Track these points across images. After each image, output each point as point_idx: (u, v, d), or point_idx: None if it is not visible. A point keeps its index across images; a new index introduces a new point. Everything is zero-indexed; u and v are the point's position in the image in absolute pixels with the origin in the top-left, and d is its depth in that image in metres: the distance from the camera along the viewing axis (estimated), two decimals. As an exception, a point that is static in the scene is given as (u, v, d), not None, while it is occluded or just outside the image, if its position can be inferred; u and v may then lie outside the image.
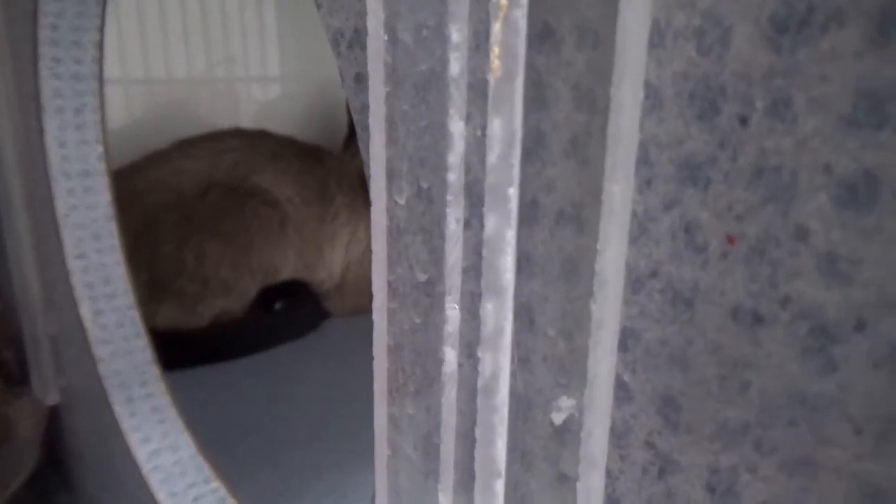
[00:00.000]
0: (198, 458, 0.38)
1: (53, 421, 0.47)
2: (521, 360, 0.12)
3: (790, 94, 0.09)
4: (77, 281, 0.39)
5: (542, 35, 0.11)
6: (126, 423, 0.38)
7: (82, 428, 0.44)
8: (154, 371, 0.40)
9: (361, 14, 0.15)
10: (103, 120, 0.40)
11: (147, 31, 0.94)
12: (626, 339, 0.11)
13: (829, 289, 0.09)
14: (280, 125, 0.99)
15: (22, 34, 0.36)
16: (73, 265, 0.39)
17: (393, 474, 0.15)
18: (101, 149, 0.40)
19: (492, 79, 0.10)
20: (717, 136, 0.09)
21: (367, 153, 0.16)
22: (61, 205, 0.39)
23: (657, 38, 0.10)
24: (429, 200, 0.12)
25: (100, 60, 0.38)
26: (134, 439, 0.38)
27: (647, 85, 0.10)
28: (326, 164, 0.94)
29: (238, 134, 0.92)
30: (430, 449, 0.14)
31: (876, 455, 0.08)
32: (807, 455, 0.09)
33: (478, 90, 0.12)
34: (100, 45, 0.37)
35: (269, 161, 0.90)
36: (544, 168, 0.11)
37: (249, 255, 0.85)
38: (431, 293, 0.13)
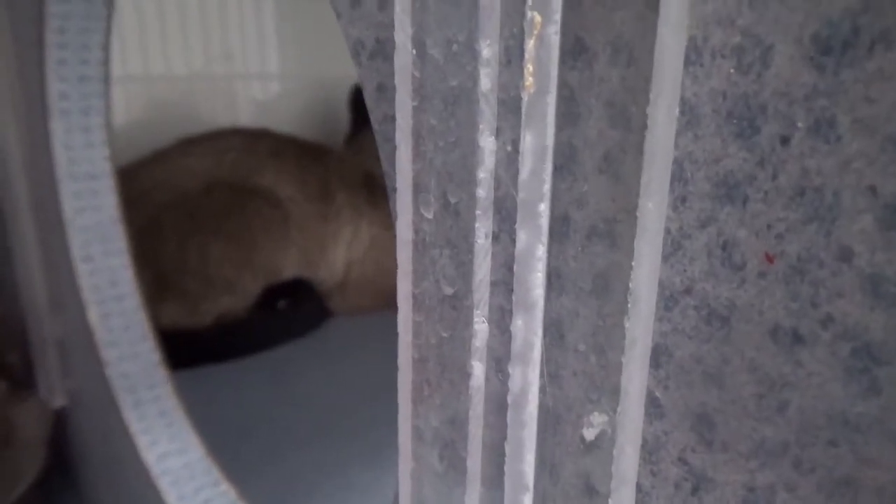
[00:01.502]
0: (206, 460, 0.38)
1: (59, 424, 0.47)
2: (551, 376, 0.12)
3: (834, 114, 0.09)
4: (84, 284, 0.39)
5: (574, 51, 0.11)
6: (134, 426, 0.38)
7: (89, 431, 0.44)
8: (162, 373, 0.40)
9: (383, 25, 0.15)
10: (109, 120, 0.40)
11: (146, 27, 0.94)
12: (659, 355, 0.11)
13: (874, 310, 0.09)
14: (279, 123, 0.99)
15: (28, 37, 0.35)
16: (80, 268, 0.39)
17: (417, 485, 0.14)
18: (107, 151, 0.40)
19: (525, 95, 0.10)
20: (756, 155, 0.09)
21: (389, 164, 0.15)
22: (68, 208, 0.39)
23: (694, 56, 0.10)
24: (457, 215, 0.12)
25: (106, 63, 0.37)
26: (142, 442, 0.38)
27: (683, 102, 0.10)
28: (328, 163, 0.94)
29: (239, 133, 0.92)
30: (455, 461, 0.14)
31: (919, 477, 0.08)
32: (847, 475, 0.09)
33: (508, 105, 0.11)
34: (106, 47, 0.37)
35: (270, 160, 0.90)
36: (576, 184, 0.11)
37: (252, 254, 0.85)
38: (458, 307, 0.13)
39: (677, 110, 0.10)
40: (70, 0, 0.34)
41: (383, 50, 0.15)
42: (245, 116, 1.08)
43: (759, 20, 0.09)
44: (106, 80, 0.38)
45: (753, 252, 0.10)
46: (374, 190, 0.97)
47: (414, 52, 0.12)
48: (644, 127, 0.10)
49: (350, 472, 0.57)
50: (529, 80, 0.10)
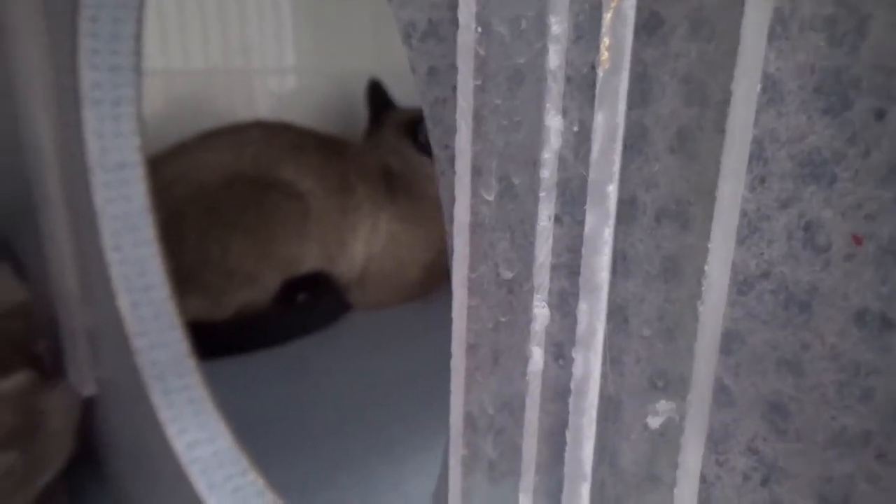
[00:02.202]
0: (235, 449, 0.38)
1: (87, 412, 0.47)
2: (613, 362, 0.12)
3: (935, 87, 0.08)
4: (114, 273, 0.40)
5: (649, 26, 0.10)
6: (163, 414, 0.38)
7: (118, 419, 0.45)
8: (190, 363, 0.40)
9: (436, 6, 0.14)
10: (140, 110, 0.40)
11: (166, 22, 0.94)
12: (731, 341, 0.11)
13: (975, 293, 0.08)
14: (297, 117, 0.99)
15: (61, 26, 0.36)
16: (110, 257, 0.40)
17: (468, 474, 0.14)
18: (137, 140, 0.40)
19: (600, 71, 0.10)
20: (846, 132, 0.09)
21: (440, 148, 0.15)
22: (98, 197, 0.39)
23: (780, 29, 0.09)
24: (519, 196, 0.12)
25: (138, 53, 0.37)
26: (172, 431, 0.38)
27: (766, 77, 0.10)
28: (347, 157, 0.94)
29: (260, 126, 0.93)
30: (510, 448, 0.13)
31: None
32: (939, 465, 0.09)
33: (575, 83, 0.11)
34: (138, 37, 0.37)
35: (290, 153, 0.90)
36: (646, 164, 0.11)
37: (273, 247, 0.85)
38: (518, 291, 0.12)
39: (758, 86, 0.10)
40: (103, -11, 0.34)
41: (436, 31, 0.15)
42: (262, 110, 1.09)
43: (853, -9, 0.09)
44: (138, 69, 0.38)
45: (840, 234, 0.09)
46: (392, 184, 0.96)
47: (479, 30, 0.11)
48: (723, 104, 0.10)
49: (368, 465, 0.57)
50: (605, 56, 0.10)
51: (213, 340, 0.79)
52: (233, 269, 0.83)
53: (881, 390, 0.09)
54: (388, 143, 1.01)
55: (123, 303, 0.40)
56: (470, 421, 0.14)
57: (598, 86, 0.10)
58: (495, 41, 0.11)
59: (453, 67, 0.15)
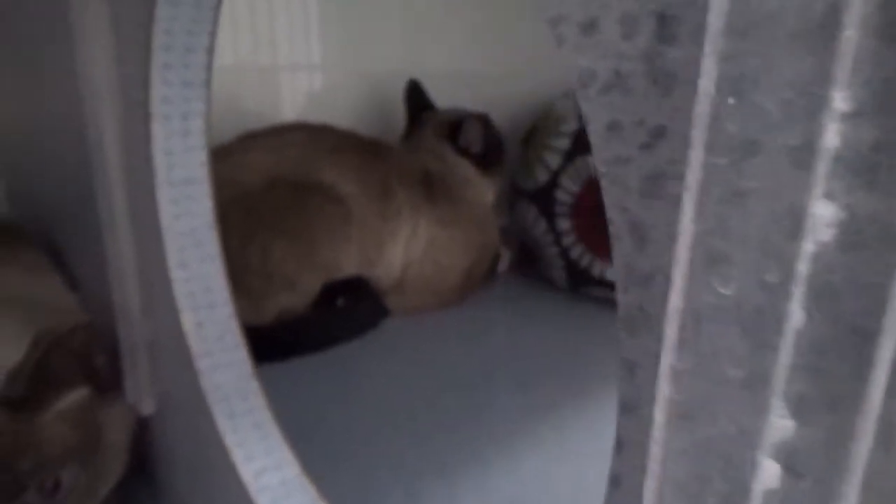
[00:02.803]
0: (303, 477, 0.37)
1: (144, 428, 0.46)
2: (874, 489, 0.10)
3: None
4: (178, 291, 0.39)
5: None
6: (229, 438, 0.37)
7: (177, 438, 0.44)
8: (255, 385, 0.39)
9: (627, 57, 0.13)
10: (207, 126, 0.39)
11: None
12: None
13: None
14: (324, 115, 0.98)
15: (133, 40, 0.34)
16: (175, 274, 0.39)
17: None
18: (204, 155, 0.39)
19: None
20: None
21: (616, 211, 0.14)
22: (165, 214, 0.38)
23: None
24: (765, 291, 0.10)
25: (209, 67, 0.36)
26: (238, 456, 0.37)
27: None
28: (388, 160, 0.93)
29: (301, 128, 0.92)
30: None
31: None
32: None
33: (845, 163, 0.10)
34: (210, 52, 0.36)
35: (331, 156, 0.89)
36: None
37: (313, 251, 0.84)
38: (749, 393, 0.11)
39: None
40: (179, 4, 0.33)
41: (624, 84, 0.13)
42: (289, 108, 1.08)
43: None
44: (208, 84, 0.37)
45: None
46: (432, 189, 0.95)
47: (732, 101, 0.10)
48: None
49: (421, 478, 0.56)
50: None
51: (255, 346, 0.78)
52: (273, 272, 0.82)
53: None
54: (427, 145, 1.00)
55: (188, 321, 0.39)
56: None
57: (890, 172, 0.09)
58: (753, 115, 0.10)
59: (642, 125, 0.13)
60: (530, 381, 0.75)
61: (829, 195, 0.10)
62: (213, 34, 0.35)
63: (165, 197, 0.38)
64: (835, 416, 0.10)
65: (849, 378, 0.10)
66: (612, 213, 0.14)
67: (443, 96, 1.08)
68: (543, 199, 0.98)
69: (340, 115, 1.10)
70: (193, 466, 0.43)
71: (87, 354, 0.43)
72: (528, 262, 1.08)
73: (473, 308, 0.98)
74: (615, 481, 0.14)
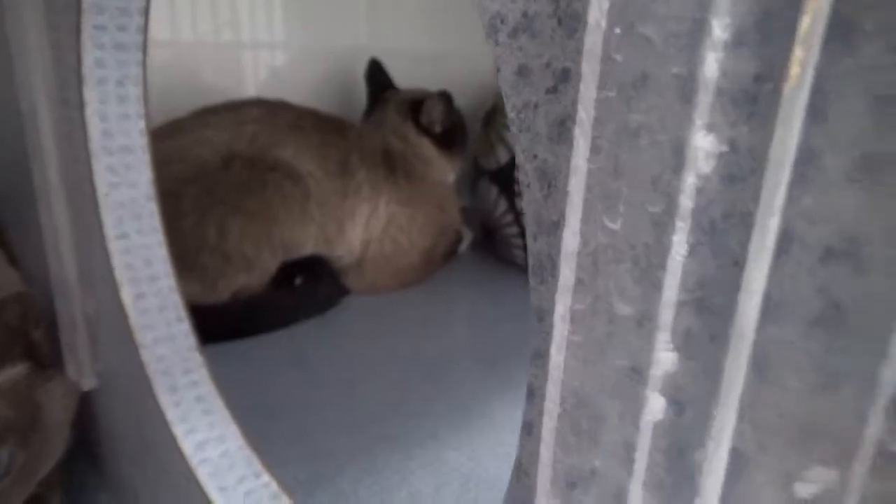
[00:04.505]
0: (246, 449, 0.36)
1: (86, 403, 0.45)
2: (752, 419, 0.10)
3: None
4: (117, 263, 0.38)
5: (839, 34, 0.09)
6: (171, 412, 0.37)
7: (119, 413, 0.43)
8: (197, 358, 0.39)
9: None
10: (146, 92, 0.37)
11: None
12: (903, 404, 0.09)
13: None
14: (286, 92, 0.96)
15: (64, 3, 0.33)
16: (114, 246, 0.38)
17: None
18: (143, 123, 0.38)
19: (786, 88, 0.08)
20: None
21: (527, 157, 0.14)
22: (101, 183, 0.37)
23: None
24: (654, 225, 0.10)
25: (145, 29, 0.35)
26: (179, 430, 0.36)
27: None
28: (348, 138, 0.92)
29: (259, 104, 0.90)
30: None
31: None
32: None
33: (729, 97, 0.10)
34: (146, 13, 0.34)
35: (290, 133, 0.87)
36: (811, 194, 0.09)
37: (271, 230, 0.83)
38: (637, 331, 0.11)
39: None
40: (110, -40, 0.32)
41: (531, 26, 0.13)
42: (251, 85, 1.06)
43: None
44: (144, 48, 0.36)
45: None
46: (392, 167, 0.94)
47: (618, 31, 0.10)
48: None
49: (376, 457, 0.56)
50: (795, 71, 0.08)
51: (208, 325, 0.77)
52: (231, 252, 0.81)
53: None
54: (389, 124, 0.99)
55: (127, 294, 0.38)
56: (568, 475, 0.12)
57: (781, 103, 0.09)
58: (638, 45, 0.09)
59: (549, 68, 0.13)
60: (488, 360, 0.75)
61: (710, 127, 0.10)
62: (148, -5, 0.34)
63: (101, 165, 0.36)
64: (714, 348, 0.10)
65: (726, 310, 0.10)
66: (521, 160, 0.14)
67: (404, 75, 1.07)
68: (504, 178, 0.98)
69: (302, 91, 1.09)
70: (136, 442, 0.42)
71: (23, 328, 0.42)
72: (488, 241, 1.08)
73: (434, 287, 0.98)
74: (527, 428, 0.14)
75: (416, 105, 0.99)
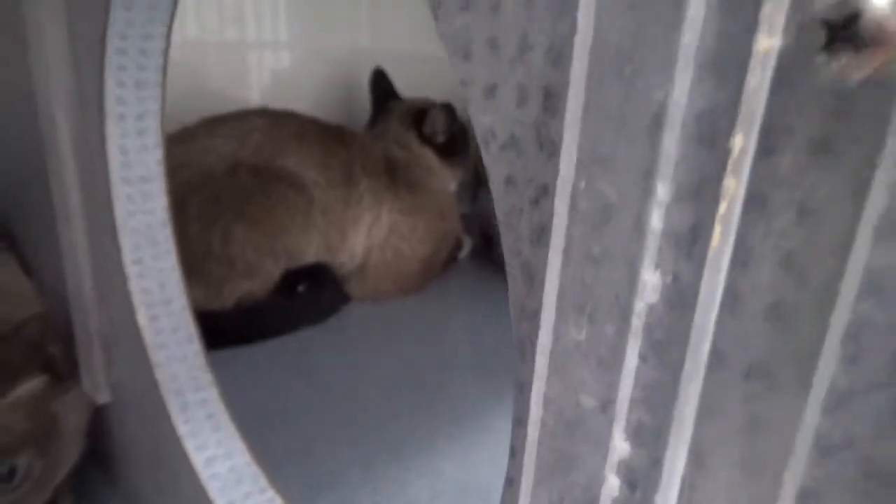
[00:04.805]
0: (253, 466, 0.38)
1: (100, 415, 0.47)
2: (691, 500, 0.13)
3: None
4: (134, 286, 0.40)
5: (755, 204, 0.11)
6: (182, 429, 0.39)
7: (132, 426, 0.45)
8: (208, 377, 0.41)
9: (520, 123, 0.15)
10: (162, 123, 0.39)
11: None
12: (807, 497, 0.11)
13: None
14: (290, 93, 0.98)
15: (88, 41, 0.35)
16: (130, 270, 0.40)
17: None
18: (160, 153, 0.40)
19: (711, 251, 0.10)
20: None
21: (512, 255, 0.16)
22: (120, 211, 0.39)
23: (884, 229, 0.10)
24: (608, 338, 0.12)
25: (164, 68, 0.37)
26: (190, 445, 0.38)
27: (867, 270, 0.10)
28: (351, 148, 0.94)
29: (264, 114, 0.92)
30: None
31: None
32: None
33: (674, 241, 0.12)
34: (165, 53, 0.37)
35: (294, 142, 0.89)
36: (737, 324, 0.11)
37: (275, 238, 0.85)
38: (598, 419, 0.13)
39: (859, 278, 0.10)
40: (134, 7, 0.34)
41: (517, 145, 0.15)
42: (255, 85, 1.07)
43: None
44: (163, 84, 0.38)
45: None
46: (395, 177, 0.96)
47: (583, 185, 0.12)
48: (823, 289, 0.10)
49: (374, 465, 0.58)
50: (716, 240, 0.10)
51: (213, 330, 0.79)
52: (235, 259, 0.83)
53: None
54: (392, 133, 1.01)
55: (142, 316, 0.40)
56: (538, 526, 0.14)
57: (704, 249, 0.11)
58: (599, 197, 0.12)
59: (531, 182, 0.15)
60: (487, 369, 0.77)
61: (657, 264, 0.12)
62: (167, 37, 0.36)
63: (121, 194, 0.39)
64: (659, 441, 0.12)
65: (669, 410, 0.12)
66: (508, 256, 0.16)
67: (408, 81, 1.09)
68: (504, 190, 1.00)
69: (306, 92, 1.10)
70: (148, 454, 0.44)
71: (41, 344, 0.44)
72: (488, 248, 1.10)
73: (434, 294, 1.00)
74: (510, 482, 0.17)
75: (419, 115, 1.01)
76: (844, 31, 0.09)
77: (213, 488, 0.37)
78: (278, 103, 0.96)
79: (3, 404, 0.42)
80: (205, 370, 0.41)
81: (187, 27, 0.98)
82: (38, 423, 0.44)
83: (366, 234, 0.95)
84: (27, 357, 0.43)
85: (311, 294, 0.90)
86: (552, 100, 0.14)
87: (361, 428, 0.64)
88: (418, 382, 0.74)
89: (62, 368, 0.46)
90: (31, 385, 0.43)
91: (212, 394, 0.40)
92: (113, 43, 0.34)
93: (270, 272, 0.86)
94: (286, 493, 0.39)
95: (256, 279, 0.85)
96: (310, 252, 0.89)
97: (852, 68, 0.09)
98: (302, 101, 1.00)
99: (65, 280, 0.43)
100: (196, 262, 0.82)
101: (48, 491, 0.46)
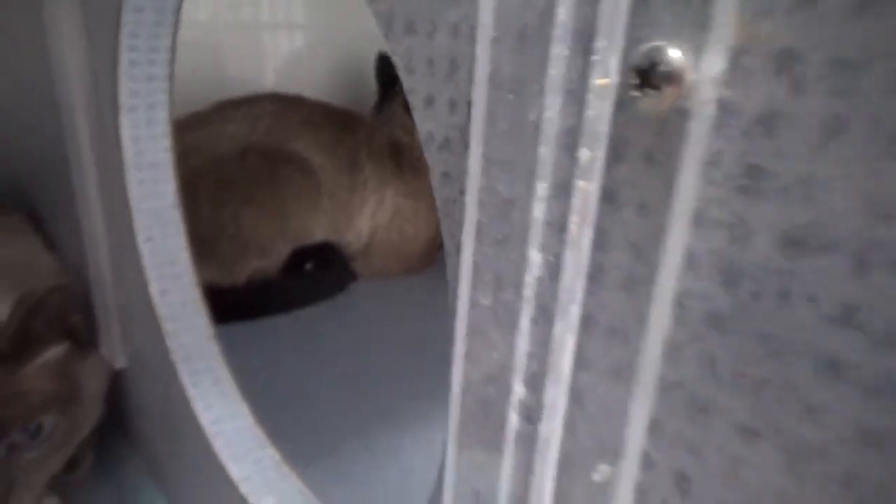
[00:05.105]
0: (255, 426, 0.42)
1: (118, 380, 0.52)
2: (571, 432, 0.16)
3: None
4: (146, 262, 0.44)
5: (610, 202, 0.14)
6: (190, 392, 0.43)
7: (147, 390, 0.49)
8: (214, 346, 0.45)
9: (453, 126, 0.18)
10: (170, 112, 0.43)
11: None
12: (655, 428, 0.15)
13: None
14: (304, 75, 0.99)
15: (103, 42, 0.39)
16: (143, 248, 0.44)
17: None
18: (168, 142, 0.43)
19: (573, 228, 0.14)
20: (736, 300, 0.13)
21: (448, 237, 0.19)
22: (133, 194, 0.43)
23: (699, 220, 0.13)
24: (506, 304, 0.16)
25: (171, 63, 0.41)
26: (198, 407, 0.42)
27: (687, 251, 0.13)
28: (357, 134, 0.97)
29: (274, 98, 0.95)
30: (493, 492, 0.18)
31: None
32: None
33: (554, 227, 0.15)
34: (172, 49, 0.40)
35: (303, 127, 0.92)
36: (602, 294, 0.15)
37: (285, 220, 0.89)
38: (503, 371, 0.16)
39: (680, 257, 0.13)
40: (143, 10, 0.37)
41: (449, 146, 0.18)
42: (270, 66, 1.09)
43: (748, 207, 0.12)
44: (171, 78, 0.41)
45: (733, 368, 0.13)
46: (400, 161, 0.99)
47: (486, 182, 0.15)
48: (657, 265, 0.14)
49: (370, 435, 0.62)
50: (574, 225, 0.14)
51: (224, 306, 0.83)
52: (247, 239, 0.87)
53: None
54: (397, 119, 1.03)
55: (154, 290, 0.44)
56: (462, 468, 0.18)
57: (568, 238, 0.14)
58: (497, 195, 0.15)
59: (460, 177, 0.18)
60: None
61: (542, 247, 0.15)
62: (174, 35, 0.39)
63: (134, 179, 0.42)
64: (546, 385, 0.16)
65: (553, 361, 0.15)
66: (445, 238, 0.20)
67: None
68: (505, 173, 1.03)
69: (320, 74, 1.12)
70: (161, 415, 0.48)
71: (64, 314, 0.48)
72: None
73: (437, 273, 1.03)
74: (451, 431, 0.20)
75: (423, 100, 1.03)
76: (648, 76, 0.12)
77: (218, 445, 0.41)
78: (292, 84, 0.98)
79: (31, 368, 0.46)
80: (211, 340, 0.45)
81: (201, 9, 1.00)
82: (61, 385, 0.48)
83: (370, 216, 0.98)
84: (51, 326, 0.47)
85: (318, 272, 0.94)
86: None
87: (362, 399, 0.68)
88: (417, 357, 0.78)
89: (83, 336, 0.50)
90: (55, 351, 0.48)
91: (217, 361, 0.44)
92: (125, 42, 0.38)
93: (280, 251, 0.90)
94: (288, 457, 0.43)
95: (266, 258, 0.89)
96: (317, 232, 0.93)
97: (656, 102, 0.12)
98: (316, 83, 1.02)
99: (85, 256, 0.47)
100: (209, 242, 0.86)
101: (70, 448, 0.50)
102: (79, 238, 0.47)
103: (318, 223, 0.92)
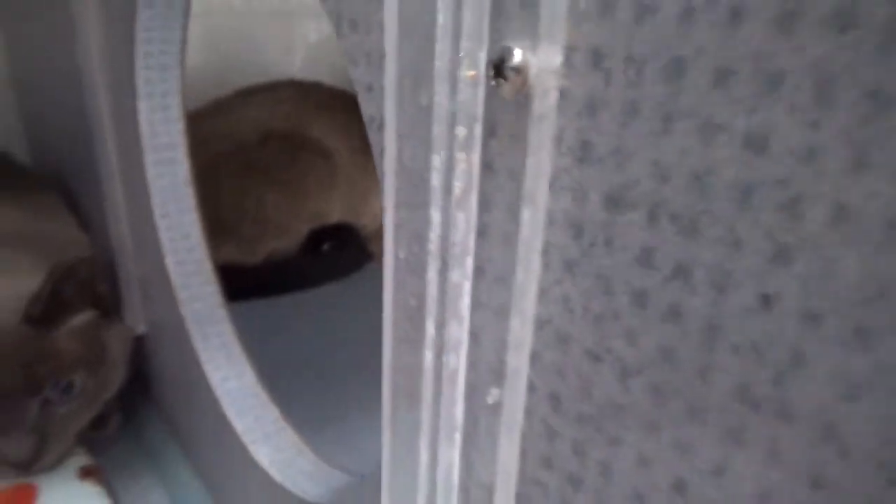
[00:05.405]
0: (257, 385, 0.47)
1: (140, 345, 0.57)
2: (471, 363, 0.19)
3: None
4: (163, 236, 0.48)
5: (489, 171, 0.17)
6: (202, 354, 0.47)
7: (165, 353, 0.54)
8: (223, 313, 0.49)
9: (386, 108, 0.21)
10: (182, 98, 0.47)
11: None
12: (535, 360, 0.18)
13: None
14: (331, 64, 1.02)
15: (121, 36, 0.43)
16: (159, 223, 0.48)
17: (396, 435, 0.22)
18: (181, 125, 0.47)
19: (459, 192, 0.17)
20: (580, 248, 0.16)
21: (387, 201, 0.22)
22: (150, 173, 0.47)
23: (553, 185, 0.16)
24: (416, 258, 0.19)
25: (183, 52, 0.45)
26: (208, 367, 0.47)
27: (548, 210, 0.16)
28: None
29: (293, 85, 0.99)
30: (415, 407, 0.21)
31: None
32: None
33: (448, 192, 0.18)
34: (183, 41, 0.44)
35: (320, 112, 0.96)
36: (488, 247, 0.18)
37: (304, 202, 0.93)
38: (418, 314, 0.20)
39: (543, 216, 0.16)
40: (155, 6, 0.41)
41: (384, 126, 0.21)
42: (299, 55, 1.11)
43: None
44: (182, 65, 0.45)
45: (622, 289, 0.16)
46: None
47: (397, 153, 0.18)
48: (529, 223, 0.17)
49: (376, 405, 0.66)
50: (459, 188, 0.17)
51: (244, 284, 0.88)
52: (267, 221, 0.91)
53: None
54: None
55: (170, 261, 0.48)
56: (396, 388, 0.21)
57: (455, 200, 0.17)
58: (406, 169, 0.18)
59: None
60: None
61: (440, 208, 0.18)
62: (184, 27, 0.43)
63: (150, 159, 0.47)
64: (448, 325, 0.19)
65: (451, 305, 0.19)
66: (386, 203, 0.23)
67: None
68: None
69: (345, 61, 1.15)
70: (176, 376, 0.53)
71: (91, 283, 0.53)
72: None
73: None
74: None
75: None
76: (501, 70, 0.15)
77: (225, 402, 0.45)
78: (319, 71, 1.01)
79: (62, 332, 0.52)
80: (220, 307, 0.49)
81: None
82: (89, 348, 0.53)
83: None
84: (80, 294, 0.52)
85: (334, 252, 0.99)
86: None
87: (371, 374, 0.72)
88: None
89: (108, 304, 0.55)
90: (83, 317, 0.53)
91: (226, 327, 0.49)
92: (140, 34, 0.42)
93: (298, 232, 0.95)
94: (296, 426, 0.48)
95: (285, 238, 0.94)
96: (334, 214, 0.97)
97: (508, 90, 0.15)
98: (342, 70, 1.04)
99: (109, 231, 0.52)
100: (231, 223, 0.91)
101: (97, 406, 0.55)
102: (103, 213, 0.52)
103: (334, 204, 0.96)
